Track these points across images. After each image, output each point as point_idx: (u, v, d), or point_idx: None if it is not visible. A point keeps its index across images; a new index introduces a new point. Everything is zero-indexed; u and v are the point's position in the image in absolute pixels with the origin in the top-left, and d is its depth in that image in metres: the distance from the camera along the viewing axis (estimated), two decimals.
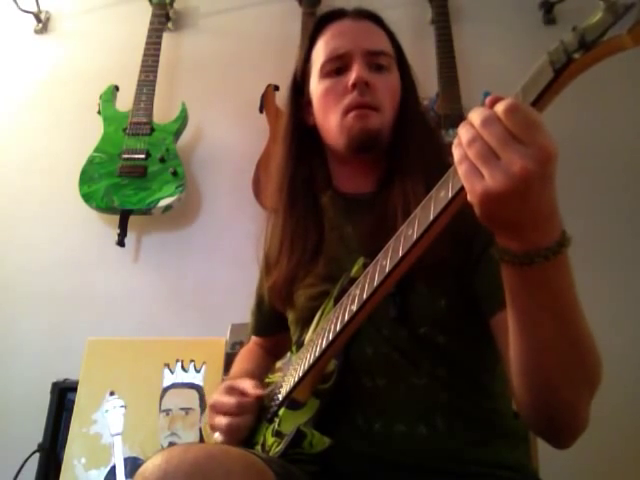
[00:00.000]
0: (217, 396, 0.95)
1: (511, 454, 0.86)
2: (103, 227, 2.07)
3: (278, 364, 1.05)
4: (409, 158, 0.94)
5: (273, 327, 1.14)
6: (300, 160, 1.03)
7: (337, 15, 1.03)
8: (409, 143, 0.95)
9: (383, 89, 0.96)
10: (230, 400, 0.92)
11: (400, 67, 1.02)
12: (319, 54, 1.00)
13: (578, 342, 0.68)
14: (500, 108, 0.55)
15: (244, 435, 0.92)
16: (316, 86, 1.00)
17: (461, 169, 0.57)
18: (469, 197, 0.57)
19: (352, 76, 0.95)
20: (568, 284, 0.65)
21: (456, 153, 0.58)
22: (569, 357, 0.68)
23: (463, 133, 0.58)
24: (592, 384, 0.71)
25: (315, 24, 1.04)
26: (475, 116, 0.57)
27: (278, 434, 0.85)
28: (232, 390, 0.95)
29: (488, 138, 0.55)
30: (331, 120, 0.97)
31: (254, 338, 1.23)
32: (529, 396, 0.73)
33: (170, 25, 2.36)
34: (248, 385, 0.94)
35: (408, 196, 0.88)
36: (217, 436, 0.92)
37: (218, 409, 0.93)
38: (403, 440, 0.83)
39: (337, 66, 0.98)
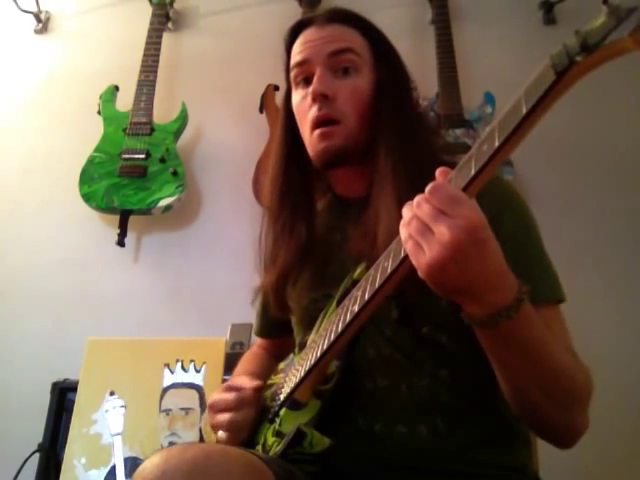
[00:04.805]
0: (215, 395, 0.95)
1: (512, 455, 0.86)
2: (103, 227, 2.07)
3: (281, 365, 1.05)
4: (379, 165, 0.92)
5: (278, 330, 1.14)
6: (291, 166, 1.02)
7: (306, 23, 1.01)
8: (381, 148, 0.93)
9: (345, 96, 0.94)
10: (229, 396, 0.92)
11: (379, 64, 0.98)
12: (291, 65, 1.00)
13: (558, 374, 0.73)
14: (426, 189, 0.64)
15: (247, 430, 0.91)
16: (293, 97, 1.01)
17: (407, 247, 0.64)
18: (419, 273, 0.64)
19: (310, 89, 0.94)
20: (536, 329, 0.70)
21: (402, 232, 0.66)
22: (551, 388, 0.73)
23: (405, 213, 0.66)
24: (581, 400, 0.77)
25: (288, 34, 1.03)
26: (416, 198, 0.65)
27: (279, 434, 0.85)
28: (229, 388, 0.95)
29: (421, 216, 0.63)
30: (305, 134, 0.98)
31: (259, 341, 1.23)
32: (521, 415, 0.80)
33: (170, 25, 2.35)
34: (245, 380, 0.95)
35: (381, 205, 0.88)
36: (220, 434, 0.92)
37: (217, 407, 0.93)
38: (403, 440, 0.83)
39: (303, 76, 0.98)
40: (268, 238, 1.03)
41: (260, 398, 0.95)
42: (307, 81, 0.97)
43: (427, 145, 0.97)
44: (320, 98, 0.93)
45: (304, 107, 0.96)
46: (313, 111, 0.94)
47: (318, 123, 0.94)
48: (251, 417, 0.92)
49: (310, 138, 0.96)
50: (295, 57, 0.99)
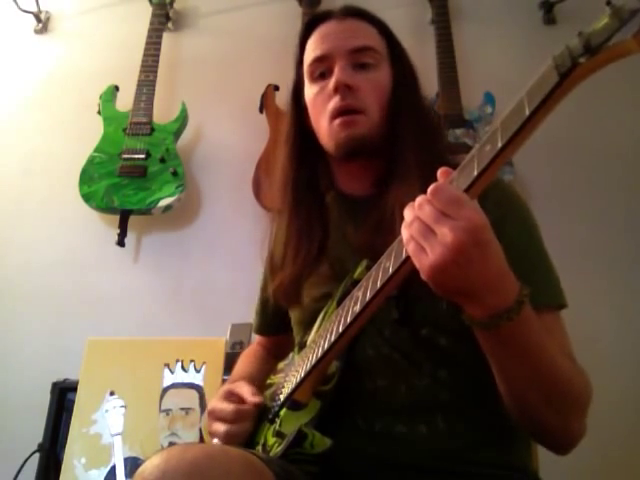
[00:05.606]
0: (215, 402, 0.95)
1: (512, 454, 0.86)
2: (103, 227, 2.07)
3: (280, 365, 1.05)
4: (403, 158, 0.93)
5: (277, 327, 1.15)
6: (303, 162, 1.02)
7: (323, 17, 1.02)
8: (403, 141, 0.94)
9: (367, 89, 0.95)
10: (228, 407, 0.92)
11: (394, 62, 1.00)
12: (307, 59, 1.01)
13: (556, 378, 0.73)
14: (428, 191, 0.63)
15: (242, 443, 0.91)
16: (307, 91, 1.01)
17: (409, 248, 0.64)
18: (421, 275, 0.64)
19: (333, 80, 0.94)
20: (535, 332, 0.70)
21: (404, 233, 0.66)
22: (549, 392, 0.73)
23: (406, 215, 0.65)
24: (579, 406, 0.77)
25: (303, 28, 1.04)
26: (417, 199, 0.65)
27: (279, 434, 0.85)
28: (231, 396, 0.95)
29: (423, 217, 0.63)
30: (321, 125, 0.97)
31: (258, 338, 1.23)
32: (518, 418, 0.79)
33: (170, 25, 2.35)
34: (247, 392, 0.94)
35: (404, 199, 0.88)
36: (216, 442, 0.92)
37: (216, 415, 0.93)
38: (403, 440, 0.83)
39: (322, 70, 0.98)
40: (279, 239, 1.03)
41: (259, 410, 0.94)
42: (324, 75, 0.97)
43: (440, 142, 0.99)
44: (343, 88, 0.93)
45: (322, 98, 0.96)
46: (335, 101, 0.94)
47: (340, 112, 0.93)
48: (247, 431, 0.92)
49: (329, 128, 0.95)
50: (315, 51, 0.99)
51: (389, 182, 0.93)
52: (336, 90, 0.94)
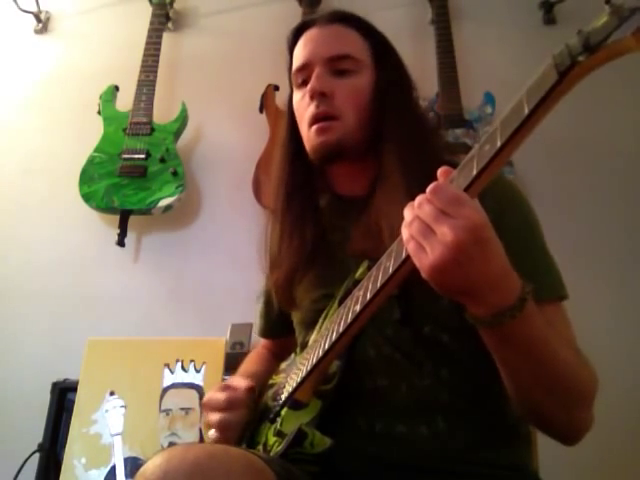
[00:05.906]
0: (209, 395, 0.96)
1: (512, 454, 0.86)
2: (103, 227, 2.07)
3: (282, 365, 1.05)
4: (389, 159, 0.93)
5: (281, 330, 1.14)
6: (297, 165, 1.03)
7: (309, 24, 1.03)
8: (387, 143, 0.94)
9: (343, 95, 0.96)
10: (221, 396, 0.93)
11: (380, 65, 1.00)
12: (293, 66, 1.02)
13: (560, 372, 0.73)
14: (427, 190, 0.63)
15: (237, 430, 0.92)
16: (293, 97, 1.03)
17: (409, 248, 0.64)
18: (422, 274, 0.64)
19: (308, 87, 0.96)
20: (539, 328, 0.70)
21: (404, 233, 0.66)
22: (554, 386, 0.73)
23: (406, 214, 0.65)
24: (585, 398, 0.77)
25: (290, 35, 1.05)
26: (417, 198, 0.65)
27: (279, 434, 0.85)
28: (224, 388, 0.96)
29: (423, 217, 0.63)
30: (303, 130, 0.99)
31: (263, 341, 1.24)
32: (524, 413, 0.80)
33: (170, 25, 2.35)
34: (239, 381, 0.95)
35: (389, 201, 0.88)
36: (212, 433, 0.92)
37: (209, 406, 0.94)
38: (404, 441, 0.83)
39: (303, 77, 0.99)
40: (274, 239, 1.04)
41: (253, 398, 0.95)
42: (306, 82, 0.99)
43: (430, 144, 0.98)
44: (318, 96, 0.95)
45: (303, 105, 0.98)
46: (311, 108, 0.96)
47: (316, 119, 0.95)
48: (242, 418, 0.92)
49: (308, 134, 0.97)
50: (297, 60, 1.00)
51: (378, 182, 0.94)
52: (311, 98, 0.95)
